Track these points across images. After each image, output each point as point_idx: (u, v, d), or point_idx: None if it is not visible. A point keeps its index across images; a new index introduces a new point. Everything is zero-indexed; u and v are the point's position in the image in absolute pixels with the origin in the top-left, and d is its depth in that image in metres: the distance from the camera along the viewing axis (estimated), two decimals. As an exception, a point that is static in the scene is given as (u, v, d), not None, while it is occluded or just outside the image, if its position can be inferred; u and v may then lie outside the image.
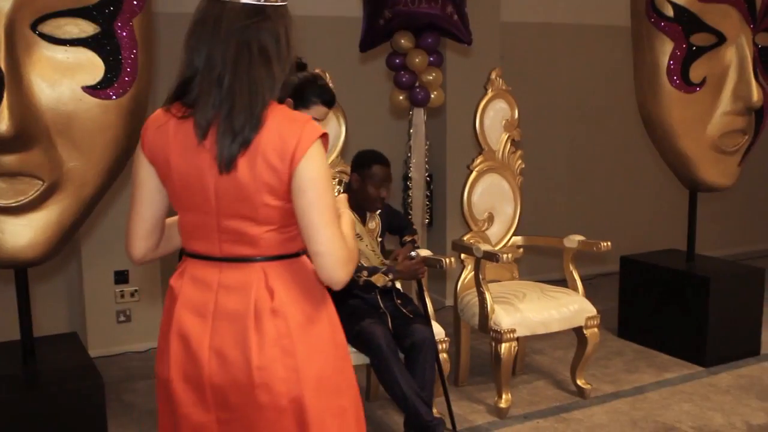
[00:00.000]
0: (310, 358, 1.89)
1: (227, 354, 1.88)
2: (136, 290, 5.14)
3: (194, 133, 1.84)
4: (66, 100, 3.07)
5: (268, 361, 1.86)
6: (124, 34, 3.14)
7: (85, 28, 3.10)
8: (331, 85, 4.11)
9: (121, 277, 5.11)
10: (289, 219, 1.88)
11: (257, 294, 1.88)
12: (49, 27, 3.05)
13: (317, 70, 4.06)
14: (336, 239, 1.85)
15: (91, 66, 3.10)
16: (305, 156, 1.81)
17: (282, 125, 1.82)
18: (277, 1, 1.88)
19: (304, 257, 1.96)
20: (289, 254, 1.93)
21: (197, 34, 1.86)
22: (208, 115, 1.82)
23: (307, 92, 3.29)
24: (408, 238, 3.99)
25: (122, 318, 5.14)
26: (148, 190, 1.98)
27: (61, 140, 3.10)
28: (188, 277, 1.97)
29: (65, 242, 3.27)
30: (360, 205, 3.77)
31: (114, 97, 3.15)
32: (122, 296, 5.12)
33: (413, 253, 3.78)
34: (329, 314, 2.00)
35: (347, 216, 2.02)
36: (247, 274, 1.90)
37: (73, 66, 3.08)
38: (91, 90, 3.11)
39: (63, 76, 3.05)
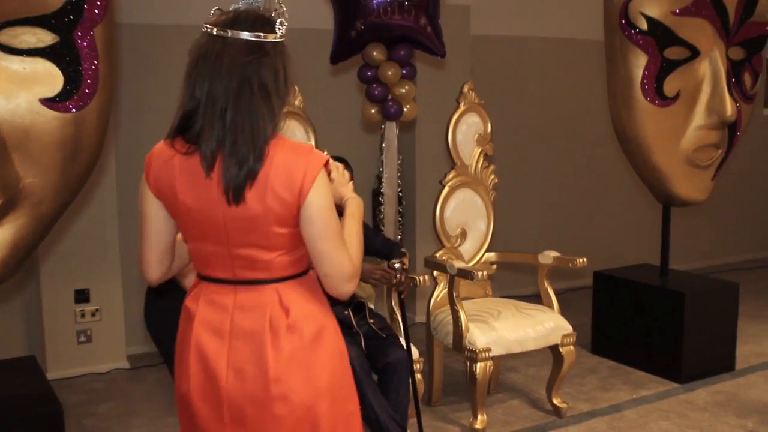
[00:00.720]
0: (323, 368, 2.01)
1: (245, 370, 1.96)
2: (97, 309, 4.97)
3: (201, 167, 1.90)
4: (22, 113, 2.93)
5: (284, 374, 1.95)
6: (85, 44, 3.00)
7: (43, 37, 2.96)
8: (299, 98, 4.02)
9: (82, 296, 4.94)
10: (298, 242, 1.98)
11: (272, 313, 1.97)
12: (5, 36, 2.91)
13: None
14: (343, 261, 1.97)
15: (50, 77, 2.96)
16: (312, 187, 1.90)
17: (287, 159, 1.90)
18: (275, 38, 1.94)
19: (311, 272, 2.06)
20: (299, 273, 2.04)
21: (199, 68, 1.91)
22: (212, 146, 1.87)
23: None
24: (395, 262, 3.78)
25: (83, 338, 4.97)
26: (156, 222, 2.08)
27: (18, 155, 2.95)
28: (204, 299, 2.04)
29: (21, 262, 3.12)
30: None
31: (74, 109, 3.01)
32: (83, 316, 4.94)
33: (397, 265, 3.65)
34: (335, 324, 2.10)
35: (356, 202, 2.16)
36: (262, 295, 1.99)
37: (30, 77, 2.94)
38: (50, 102, 2.97)
39: (19, 87, 2.91)
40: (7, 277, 3.06)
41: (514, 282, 6.18)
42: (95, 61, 3.04)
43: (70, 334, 4.94)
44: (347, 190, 2.19)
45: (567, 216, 6.83)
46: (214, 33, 1.91)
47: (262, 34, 1.92)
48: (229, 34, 1.90)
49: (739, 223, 7.96)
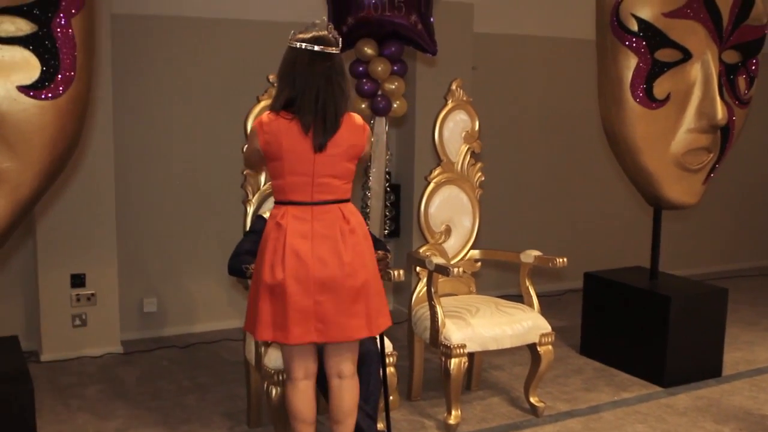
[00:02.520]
0: (370, 256, 3.21)
1: (326, 259, 3.05)
2: (92, 294, 5.07)
3: (300, 129, 3.03)
4: (-1, 100, 3.01)
5: (351, 259, 3.09)
6: (63, 33, 3.07)
7: (21, 26, 3.03)
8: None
9: (78, 281, 5.04)
10: (352, 176, 3.19)
11: (339, 223, 3.10)
12: (-16, 25, 2.99)
13: (271, 76, 4.01)
14: None
15: (27, 65, 3.04)
16: (365, 145, 3.21)
17: (352, 125, 3.15)
18: (337, 50, 3.11)
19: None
20: (348, 199, 3.19)
21: (297, 70, 3.04)
22: (308, 120, 3.03)
23: None
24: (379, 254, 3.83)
25: (77, 322, 5.07)
26: (257, 156, 3.20)
27: (-6, 140, 3.03)
28: (290, 216, 3.08)
29: (0, 245, 3.20)
30: None
31: (51, 97, 3.08)
32: (78, 300, 5.05)
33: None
34: (366, 231, 3.26)
35: None
36: (331, 211, 3.11)
37: (8, 65, 3.01)
38: (27, 90, 3.04)
39: (-4, 74, 2.99)
40: (-18, 258, 3.15)
41: (503, 281, 6.20)
42: (74, 51, 3.11)
43: (65, 317, 5.04)
44: None
45: (561, 216, 6.84)
46: (304, 47, 3.05)
47: (333, 49, 3.08)
48: (316, 48, 3.05)
49: (739, 230, 7.91)
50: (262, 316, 3.10)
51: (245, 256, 3.59)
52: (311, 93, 3.01)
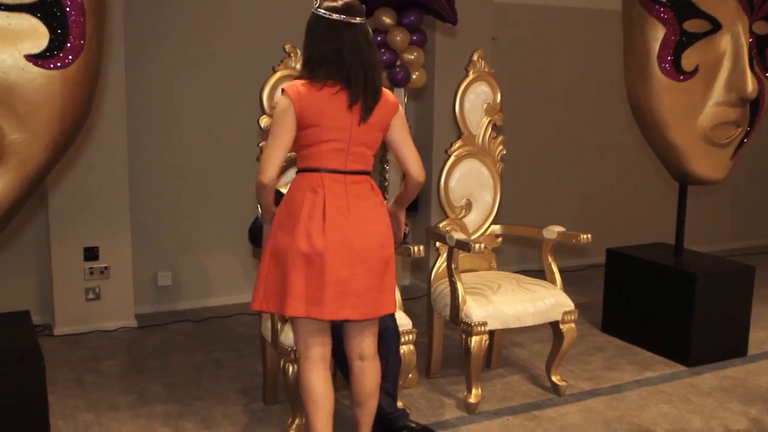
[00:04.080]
0: (393, 230, 3.21)
1: (364, 228, 3.02)
2: (106, 267, 5.01)
3: (346, 100, 2.98)
4: (7, 69, 2.90)
5: (385, 230, 3.11)
6: (71, 1, 2.96)
7: (30, -7, 2.93)
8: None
9: (91, 254, 4.97)
10: (378, 146, 3.15)
11: (370, 194, 3.10)
12: (-10, -9, 2.88)
13: (288, 46, 3.90)
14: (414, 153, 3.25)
15: (35, 34, 2.93)
16: (395, 115, 3.15)
17: (387, 99, 3.11)
18: (365, 20, 3.08)
19: None
20: (371, 171, 3.17)
21: (341, 43, 2.97)
22: (358, 92, 2.98)
23: None
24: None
25: (91, 296, 5.01)
26: (290, 135, 3.00)
27: (2, 110, 2.93)
28: (328, 182, 3.00)
29: (8, 219, 3.11)
30: None
31: (60, 66, 2.98)
32: (91, 273, 4.98)
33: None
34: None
35: None
36: (362, 182, 3.09)
37: (15, 33, 2.91)
38: (35, 59, 2.94)
39: (4, 43, 2.88)
40: (-8, 232, 3.07)
41: (524, 257, 6.11)
42: (82, 19, 3.00)
43: (78, 291, 4.98)
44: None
45: (583, 191, 6.72)
46: (335, 17, 2.98)
47: (362, 18, 3.05)
48: (356, 20, 3.02)
49: (764, 205, 7.75)
50: (294, 288, 2.96)
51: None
52: (360, 66, 2.97)
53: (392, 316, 3.57)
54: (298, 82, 3.01)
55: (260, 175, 3.00)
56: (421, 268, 5.95)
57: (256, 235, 3.57)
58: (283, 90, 3.01)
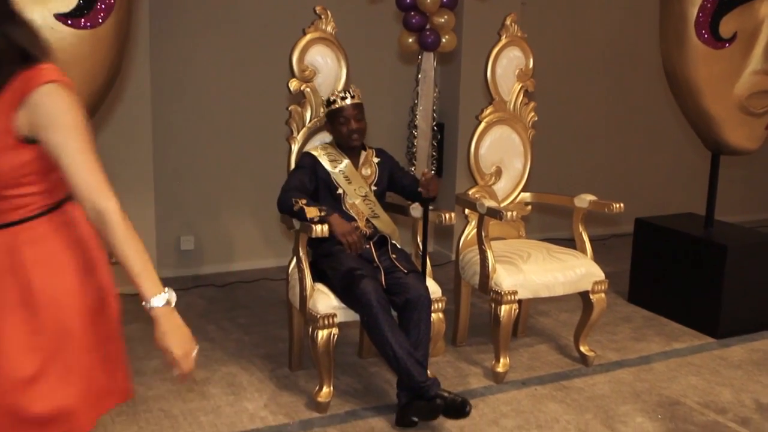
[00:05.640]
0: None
1: None
2: (129, 231, 4.96)
3: None
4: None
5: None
6: (102, -42, 2.90)
7: (59, -51, 2.86)
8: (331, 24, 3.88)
9: (115, 218, 4.92)
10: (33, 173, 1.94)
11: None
12: (21, -52, 2.82)
13: (318, 8, 3.83)
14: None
15: (65, -9, 2.88)
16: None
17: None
18: None
19: None
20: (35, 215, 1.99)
21: None
22: None
23: None
24: (425, 171, 3.75)
25: (114, 259, 4.97)
26: None
27: (32, 71, 2.89)
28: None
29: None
30: (345, 147, 3.75)
31: (90, 26, 2.92)
32: (115, 237, 4.94)
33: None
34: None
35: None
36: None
37: (45, -10, 2.86)
38: (64, 18, 2.89)
39: (33, 2, 2.83)
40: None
41: (552, 225, 6.04)
42: (114, -24, 2.94)
43: (102, 254, 4.95)
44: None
45: (612, 159, 6.64)
46: None
47: None
48: None
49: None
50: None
51: (294, 192, 3.50)
52: None
53: (425, 284, 3.53)
54: None
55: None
56: (445, 235, 5.89)
57: (285, 202, 3.52)
58: None
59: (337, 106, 3.68)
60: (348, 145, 3.72)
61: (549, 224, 6.06)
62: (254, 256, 5.56)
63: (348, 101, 3.67)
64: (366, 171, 3.77)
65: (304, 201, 3.45)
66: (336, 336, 3.48)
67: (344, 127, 3.68)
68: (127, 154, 4.87)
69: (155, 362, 4.02)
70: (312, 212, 3.38)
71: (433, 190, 3.62)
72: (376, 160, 3.83)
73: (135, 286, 1.99)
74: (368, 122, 3.79)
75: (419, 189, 3.66)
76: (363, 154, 3.81)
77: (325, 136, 3.87)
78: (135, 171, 4.92)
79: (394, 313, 3.51)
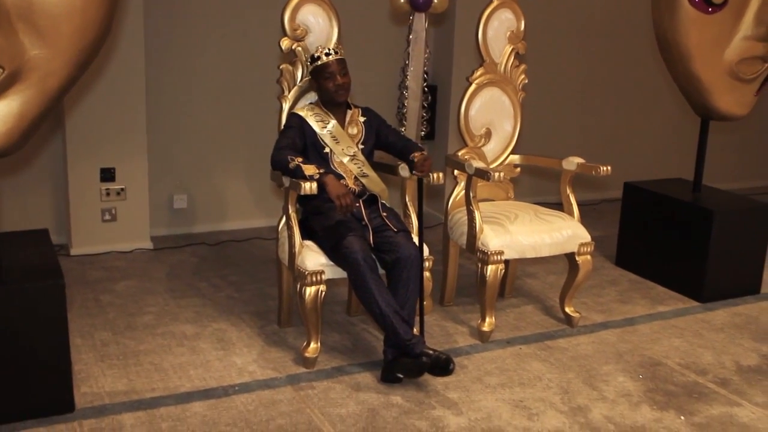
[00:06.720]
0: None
1: None
2: (122, 189, 5.01)
3: None
4: (27, -18, 2.85)
5: None
6: None
7: None
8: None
9: (108, 175, 4.97)
10: None
11: None
12: None
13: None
14: None
15: (56, -55, 2.87)
16: None
17: None
18: None
19: None
20: None
21: None
22: None
23: None
24: (417, 155, 3.75)
25: (107, 217, 5.02)
26: None
27: (23, 26, 2.88)
28: None
29: (28, 136, 3.08)
30: (331, 105, 3.76)
31: (81, -19, 2.92)
32: (108, 194, 4.99)
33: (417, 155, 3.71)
34: None
35: None
36: None
37: (36, -56, 2.85)
38: (56, -28, 2.88)
39: (24, -45, 2.83)
40: (11, 150, 3.04)
41: (541, 188, 6.08)
42: (105, -69, 2.94)
43: (95, 212, 4.99)
44: None
45: (602, 123, 6.67)
46: None
47: None
48: None
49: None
50: None
51: (288, 150, 3.53)
52: None
53: (414, 244, 3.58)
54: None
55: None
56: (436, 196, 5.93)
57: (279, 160, 3.54)
58: None
59: (321, 62, 3.68)
60: (334, 101, 3.74)
61: (539, 188, 6.10)
62: (246, 216, 5.60)
63: (332, 57, 3.68)
64: (352, 130, 3.79)
65: (300, 159, 3.48)
66: (324, 293, 3.53)
67: (330, 83, 3.68)
68: (120, 113, 4.89)
69: (146, 318, 4.08)
70: (310, 170, 3.42)
71: (427, 169, 3.65)
72: (362, 119, 3.85)
73: None
74: (359, 83, 3.81)
75: (414, 172, 3.69)
76: (349, 113, 3.82)
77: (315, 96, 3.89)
78: (128, 131, 4.94)
79: (383, 272, 3.56)
